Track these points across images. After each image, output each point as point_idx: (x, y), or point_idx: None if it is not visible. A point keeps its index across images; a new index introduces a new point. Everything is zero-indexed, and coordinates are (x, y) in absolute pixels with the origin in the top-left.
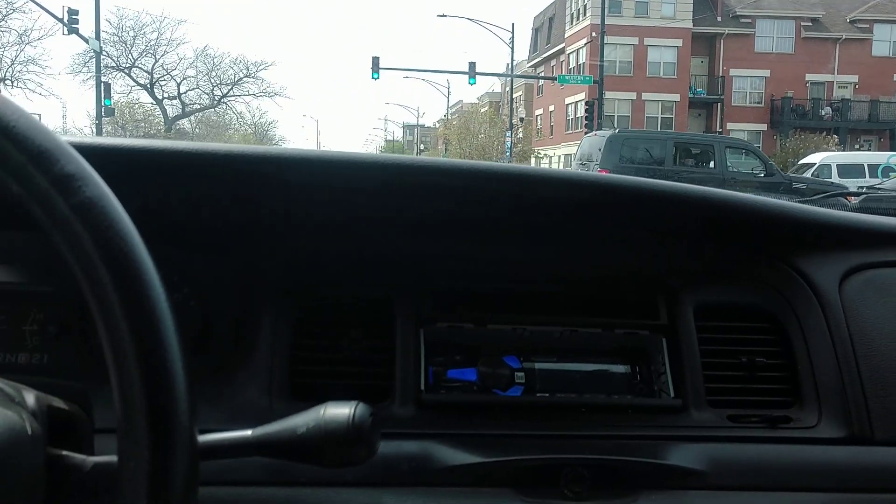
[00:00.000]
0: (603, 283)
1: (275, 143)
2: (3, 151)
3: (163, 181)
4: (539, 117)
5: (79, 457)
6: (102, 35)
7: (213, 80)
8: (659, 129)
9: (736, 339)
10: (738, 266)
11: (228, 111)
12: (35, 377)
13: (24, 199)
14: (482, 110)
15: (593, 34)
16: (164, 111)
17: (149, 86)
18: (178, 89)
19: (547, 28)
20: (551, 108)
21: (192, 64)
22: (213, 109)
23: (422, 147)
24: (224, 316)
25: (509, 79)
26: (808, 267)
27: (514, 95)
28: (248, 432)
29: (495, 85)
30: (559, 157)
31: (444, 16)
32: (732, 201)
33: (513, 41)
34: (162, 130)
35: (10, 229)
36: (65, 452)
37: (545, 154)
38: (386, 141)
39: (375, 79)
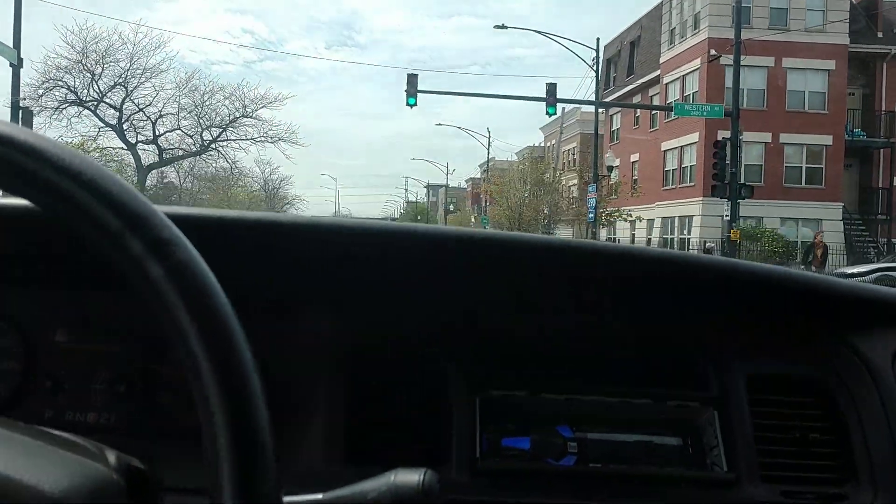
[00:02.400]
0: (655, 355)
1: (288, 203)
2: (102, 218)
3: (231, 250)
4: (613, 170)
5: None
6: (62, 62)
7: (202, 122)
8: (803, 183)
9: (788, 413)
10: (791, 340)
11: (220, 160)
12: (104, 435)
13: (118, 262)
14: (523, 164)
15: (712, 51)
16: (137, 158)
17: (118, 126)
18: (154, 130)
19: (627, 56)
20: (634, 157)
21: (174, 98)
22: (201, 157)
23: (451, 208)
24: (281, 379)
25: (592, 116)
26: (861, 343)
27: (567, 148)
28: (320, 496)
29: (540, 138)
30: (655, 220)
31: (503, 27)
32: (788, 278)
33: (598, 61)
34: (134, 182)
35: (79, 290)
36: None
37: (637, 216)
38: (407, 202)
39: (412, 105)
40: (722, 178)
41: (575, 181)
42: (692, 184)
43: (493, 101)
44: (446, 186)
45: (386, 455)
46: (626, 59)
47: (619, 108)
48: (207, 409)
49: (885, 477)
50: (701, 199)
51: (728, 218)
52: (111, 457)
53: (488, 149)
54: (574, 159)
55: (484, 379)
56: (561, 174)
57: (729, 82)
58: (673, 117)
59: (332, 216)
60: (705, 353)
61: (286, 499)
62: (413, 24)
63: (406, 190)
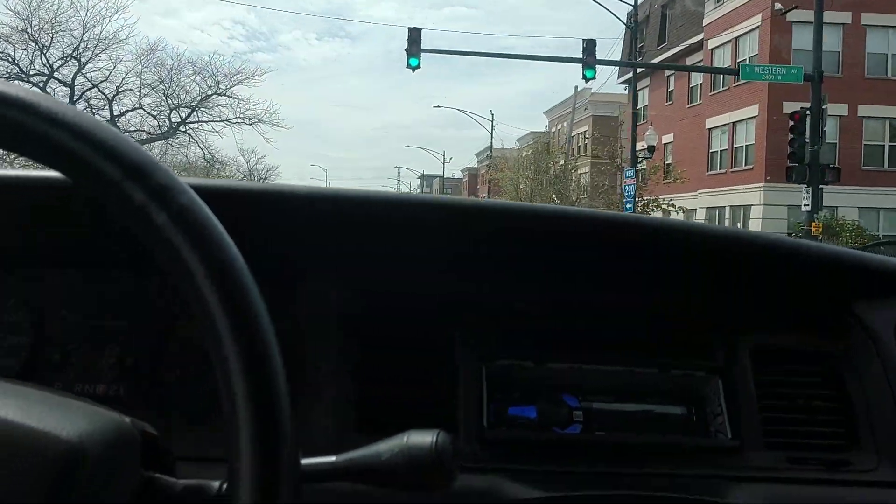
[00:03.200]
0: (660, 324)
1: None
2: (101, 168)
3: (230, 220)
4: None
5: (170, 479)
6: (3, 30)
7: (169, 100)
8: (885, 165)
9: (792, 381)
10: (796, 309)
11: (192, 145)
12: (114, 406)
13: (120, 213)
14: (535, 148)
15: (777, 5)
16: None
17: (70, 104)
18: (111, 110)
19: (658, 21)
20: (667, 138)
21: (134, 72)
22: (169, 142)
23: None
24: (290, 346)
25: (606, 97)
26: (864, 312)
27: (578, 132)
28: (333, 458)
29: (542, 125)
30: (697, 210)
31: None
32: (792, 247)
33: (635, 14)
34: None
35: (88, 267)
36: (157, 475)
37: (679, 206)
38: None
39: (414, 67)
40: (801, 159)
41: (586, 169)
42: (748, 167)
43: (491, 91)
44: (442, 176)
45: (394, 424)
46: (657, 26)
47: (646, 84)
48: (224, 362)
49: (888, 443)
50: (762, 185)
51: (807, 207)
52: (125, 420)
53: (491, 133)
54: (585, 145)
55: (490, 348)
56: (576, 160)
57: (798, 43)
58: (722, 88)
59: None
60: (710, 323)
61: (304, 460)
62: (404, 14)
63: (398, 181)
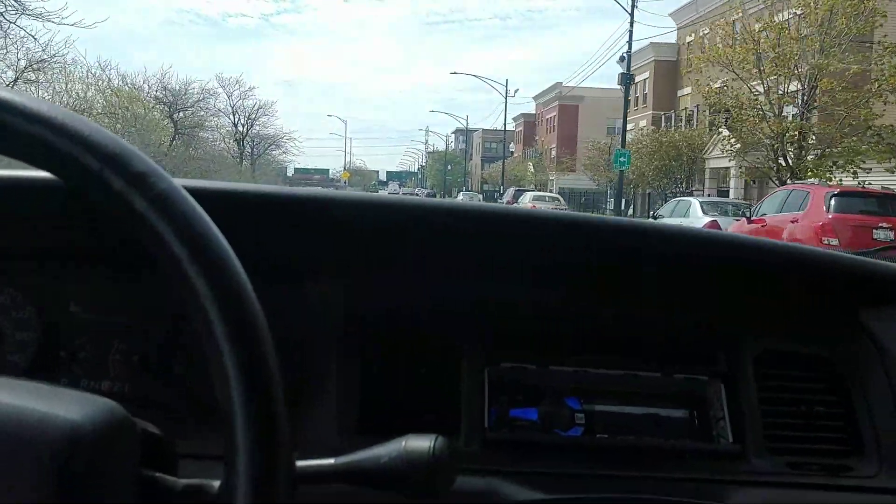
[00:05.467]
0: (663, 328)
1: (273, 143)
2: (82, 160)
3: (234, 221)
4: None
5: (170, 478)
6: None
7: None
8: None
9: (795, 387)
10: (800, 316)
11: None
12: (120, 403)
13: (103, 201)
14: None
15: None
16: None
17: None
18: None
19: None
20: None
21: None
22: None
23: (511, 149)
24: (292, 348)
25: None
26: (870, 320)
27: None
28: (332, 460)
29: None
30: None
31: None
32: (800, 254)
33: None
34: None
35: (98, 266)
36: (157, 474)
37: None
38: (428, 153)
39: None
40: None
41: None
42: None
43: (518, 54)
44: (504, 122)
45: (396, 425)
46: None
47: None
48: (216, 349)
49: (889, 450)
50: None
51: None
52: (121, 408)
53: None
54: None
55: (493, 350)
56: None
57: None
58: None
59: (341, 189)
60: (714, 328)
61: (299, 463)
62: None
63: (427, 140)
